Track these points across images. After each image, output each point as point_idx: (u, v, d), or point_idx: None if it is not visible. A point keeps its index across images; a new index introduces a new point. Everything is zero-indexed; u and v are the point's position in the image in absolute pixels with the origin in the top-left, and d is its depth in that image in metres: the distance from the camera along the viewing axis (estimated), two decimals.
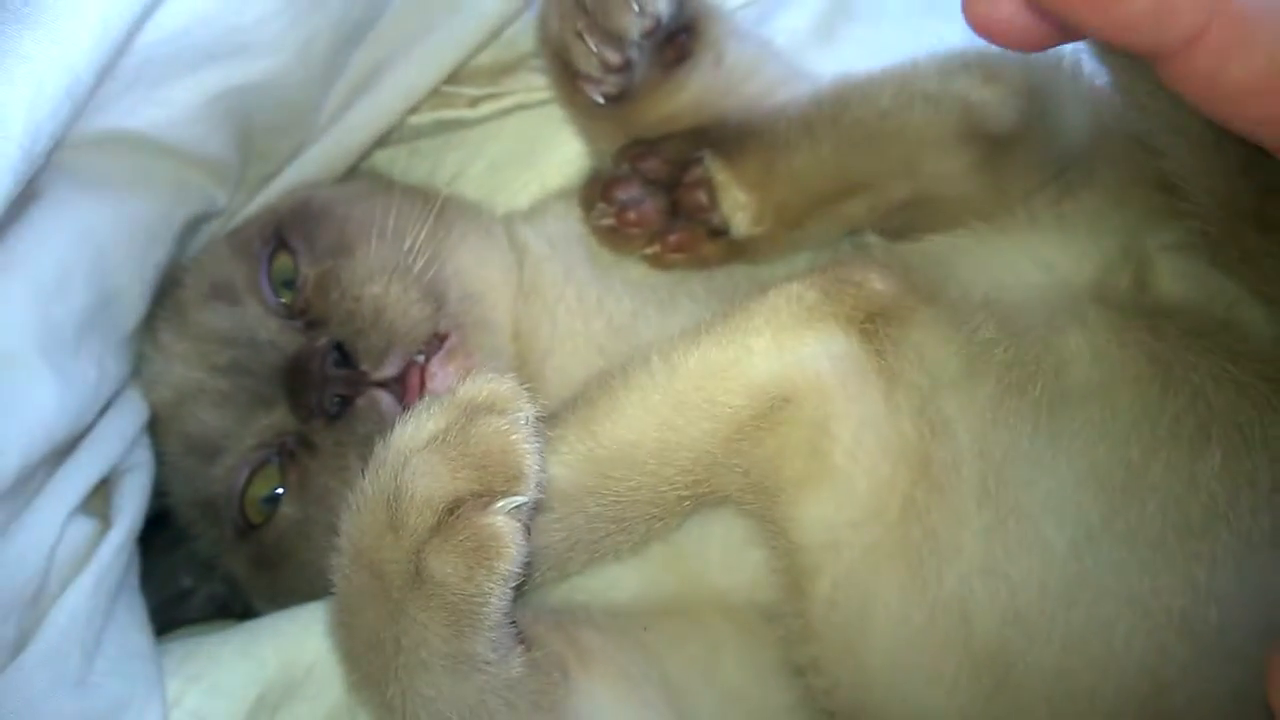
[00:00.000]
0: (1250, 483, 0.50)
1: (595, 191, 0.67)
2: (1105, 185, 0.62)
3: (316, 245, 0.66)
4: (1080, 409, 0.53)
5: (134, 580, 0.59)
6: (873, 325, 0.57)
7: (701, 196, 0.64)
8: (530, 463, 0.49)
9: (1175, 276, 0.58)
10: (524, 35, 0.78)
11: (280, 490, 0.63)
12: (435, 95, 0.79)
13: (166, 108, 0.60)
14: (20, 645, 0.50)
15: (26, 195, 0.53)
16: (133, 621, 0.57)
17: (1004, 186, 0.63)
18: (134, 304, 0.63)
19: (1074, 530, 0.51)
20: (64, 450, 0.56)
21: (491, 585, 0.48)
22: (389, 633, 0.49)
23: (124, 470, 0.60)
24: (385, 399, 0.61)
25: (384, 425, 0.57)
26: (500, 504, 0.48)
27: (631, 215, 0.66)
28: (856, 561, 0.55)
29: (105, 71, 0.53)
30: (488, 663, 0.50)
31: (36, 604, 0.51)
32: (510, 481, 0.48)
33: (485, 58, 0.79)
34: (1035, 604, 0.51)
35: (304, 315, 0.64)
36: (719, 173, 0.65)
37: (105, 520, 0.57)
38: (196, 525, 0.67)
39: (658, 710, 0.57)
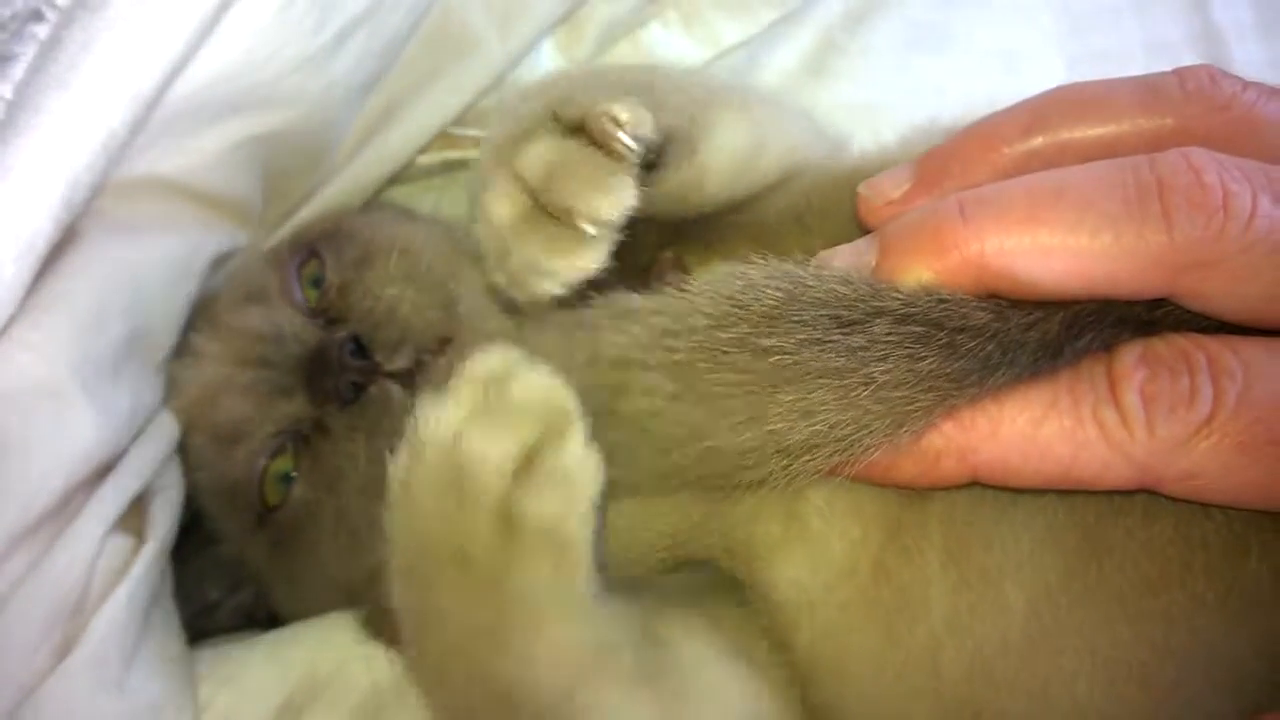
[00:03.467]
0: (1203, 545, 0.50)
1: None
2: None
3: (343, 257, 0.70)
4: None
5: (167, 592, 0.63)
6: None
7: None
8: (574, 402, 0.49)
9: None
10: (527, 79, 0.82)
11: (292, 472, 0.66)
12: (442, 137, 0.83)
13: (194, 155, 0.65)
14: (65, 651, 0.54)
15: (66, 238, 0.58)
16: (167, 630, 0.62)
17: None
18: (165, 336, 0.68)
19: (1032, 589, 0.52)
20: (101, 473, 0.60)
21: (586, 513, 0.49)
22: (486, 615, 0.49)
23: (156, 490, 0.64)
24: (395, 390, 0.65)
25: (393, 413, 0.61)
26: (573, 435, 0.49)
27: None
28: (832, 618, 0.56)
29: (138, 126, 0.58)
30: (591, 609, 0.50)
31: (79, 614, 0.55)
32: (564, 420, 0.49)
33: (490, 102, 0.83)
34: (998, 658, 0.52)
35: (326, 314, 0.69)
36: (695, 265, 0.64)
37: (140, 537, 0.61)
38: (221, 517, 0.70)
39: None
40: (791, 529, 0.57)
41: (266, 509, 0.67)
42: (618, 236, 0.55)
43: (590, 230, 0.54)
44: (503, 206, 0.56)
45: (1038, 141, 0.51)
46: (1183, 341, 0.46)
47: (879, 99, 0.88)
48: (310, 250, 0.72)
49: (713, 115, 0.65)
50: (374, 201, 0.83)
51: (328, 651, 0.64)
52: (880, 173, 0.56)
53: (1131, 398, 0.45)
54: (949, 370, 0.47)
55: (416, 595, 0.51)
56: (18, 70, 0.56)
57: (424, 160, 0.84)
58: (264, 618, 0.72)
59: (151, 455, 0.64)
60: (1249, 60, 0.89)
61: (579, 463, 0.49)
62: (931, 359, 0.47)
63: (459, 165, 0.85)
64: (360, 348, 0.65)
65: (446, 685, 0.52)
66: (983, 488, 0.52)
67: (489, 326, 0.68)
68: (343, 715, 0.63)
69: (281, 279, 0.72)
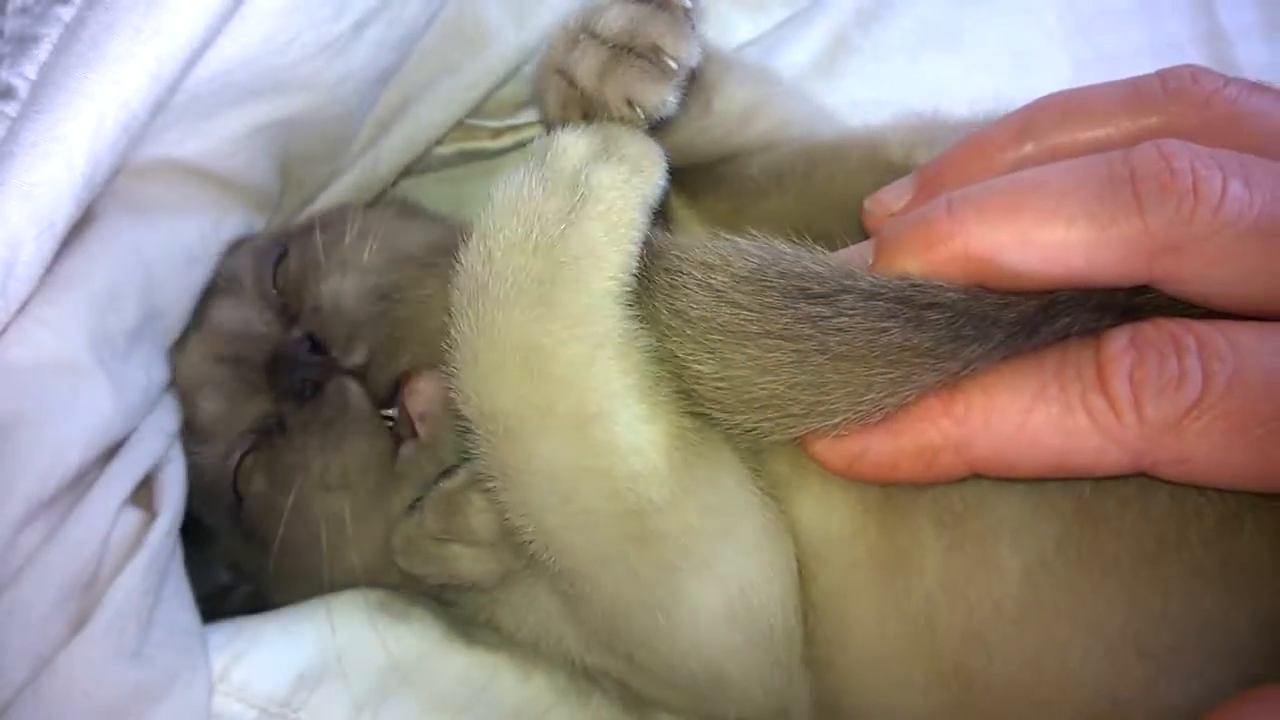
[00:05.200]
0: (1197, 516, 0.51)
1: None
2: None
3: (305, 251, 0.71)
4: None
5: (179, 566, 0.64)
6: None
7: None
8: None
9: None
10: None
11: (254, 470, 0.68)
12: (459, 128, 0.84)
13: (211, 139, 0.66)
14: (81, 622, 0.55)
15: (84, 219, 0.59)
16: (180, 602, 0.62)
17: None
18: (178, 318, 0.69)
19: (1027, 555, 0.53)
20: (114, 449, 0.60)
21: (644, 197, 0.55)
22: (539, 267, 0.54)
23: (165, 464, 0.64)
24: (353, 387, 0.66)
25: (350, 409, 0.64)
26: (642, 136, 0.57)
27: None
28: (840, 577, 0.58)
29: (158, 107, 0.59)
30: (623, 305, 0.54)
31: (94, 585, 0.56)
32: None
33: (506, 92, 0.84)
34: (992, 623, 0.54)
35: (287, 311, 0.70)
36: (681, 209, 0.69)
37: (151, 512, 0.61)
38: (208, 515, 0.71)
39: None
40: (798, 472, 0.59)
41: (238, 503, 0.69)
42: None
43: (673, 65, 0.59)
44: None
45: (1029, 148, 0.53)
46: (1172, 325, 0.47)
47: (889, 97, 0.88)
48: (283, 246, 0.73)
49: (728, 74, 0.71)
50: (386, 194, 0.84)
51: (340, 628, 0.64)
52: (883, 187, 0.59)
53: (1119, 383, 0.46)
54: (915, 343, 0.49)
55: (481, 263, 0.55)
56: (42, 51, 0.58)
57: (441, 151, 0.85)
58: (275, 604, 0.72)
59: (161, 431, 0.65)
60: (1254, 61, 0.89)
61: (646, 151, 0.56)
62: (896, 332, 0.49)
63: (475, 156, 0.86)
64: (317, 345, 0.67)
65: (486, 348, 0.54)
66: None
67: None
68: (356, 690, 0.63)
69: (257, 273, 0.72)
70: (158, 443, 0.64)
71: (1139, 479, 0.50)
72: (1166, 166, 0.46)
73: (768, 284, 0.52)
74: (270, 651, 0.63)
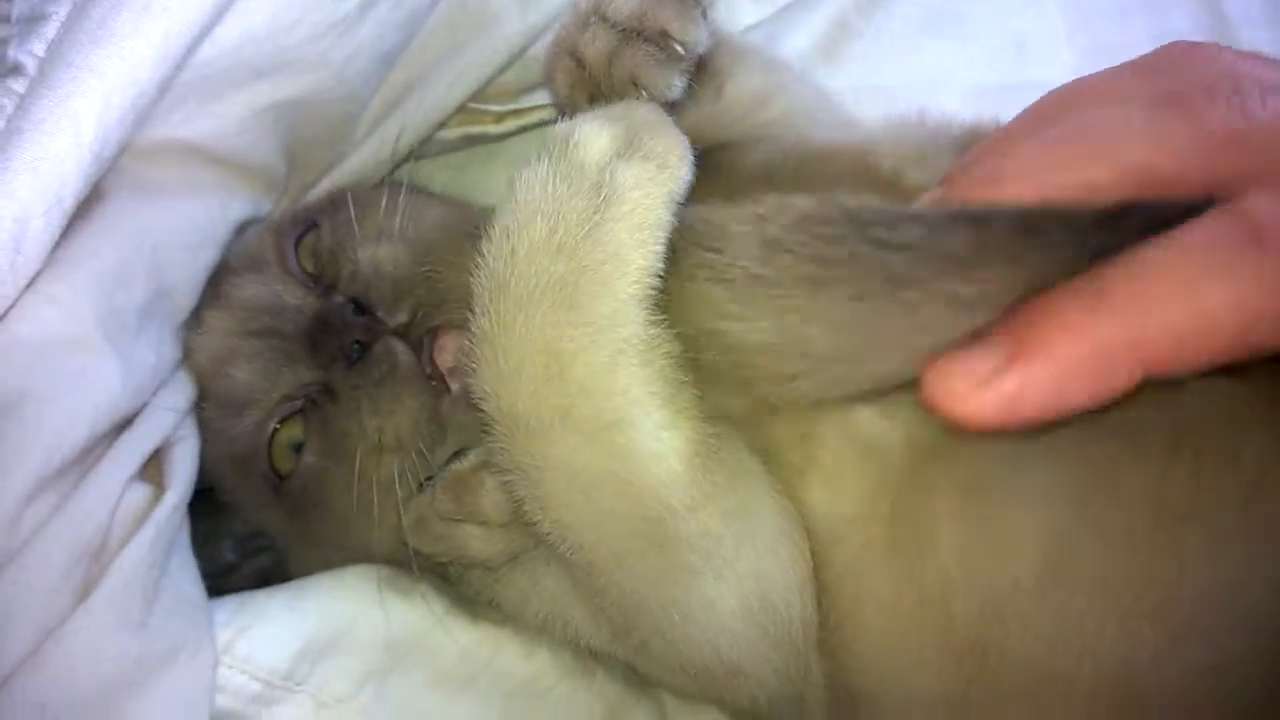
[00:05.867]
0: (1216, 486, 0.50)
1: None
2: None
3: (337, 225, 0.72)
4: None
5: (185, 540, 0.64)
6: None
7: None
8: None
9: None
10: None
11: (302, 439, 0.68)
12: (463, 112, 0.85)
13: (218, 120, 0.66)
14: (86, 593, 0.55)
15: (92, 197, 0.59)
16: (186, 576, 0.63)
17: None
18: (186, 298, 0.69)
19: (1044, 526, 0.53)
20: (123, 425, 0.61)
21: (669, 193, 0.54)
22: (561, 269, 0.53)
23: (175, 442, 0.65)
24: (399, 346, 0.67)
25: (399, 368, 0.64)
26: (669, 129, 0.56)
27: None
28: (854, 557, 0.58)
29: (166, 85, 0.59)
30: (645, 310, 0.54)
31: (100, 556, 0.57)
32: (662, 119, 0.56)
33: (510, 76, 0.84)
34: (1009, 597, 0.53)
35: (321, 282, 0.71)
36: None
37: (159, 488, 0.62)
38: (233, 488, 0.71)
39: None
40: (807, 458, 0.59)
41: (279, 478, 0.69)
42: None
43: (680, 50, 0.59)
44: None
45: (1053, 131, 0.52)
46: None
47: (890, 82, 0.89)
48: (310, 221, 0.74)
49: (740, 61, 0.71)
50: (390, 177, 0.84)
51: (345, 602, 0.65)
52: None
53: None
54: (984, 242, 0.47)
55: (503, 261, 0.55)
56: (50, 29, 0.58)
57: (444, 135, 0.86)
58: (281, 581, 0.72)
59: (170, 407, 0.65)
60: (1258, 48, 0.89)
61: (670, 145, 0.55)
62: (962, 233, 0.47)
63: (479, 140, 0.87)
64: (360, 308, 0.67)
65: (506, 349, 0.54)
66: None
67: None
68: (359, 664, 0.64)
69: (280, 250, 0.73)
70: (167, 419, 0.65)
71: (1158, 447, 0.50)
72: (1205, 71, 0.46)
73: (826, 219, 0.50)
74: (275, 625, 0.63)
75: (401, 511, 0.65)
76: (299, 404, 0.68)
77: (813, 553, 0.60)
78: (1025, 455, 0.53)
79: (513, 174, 0.56)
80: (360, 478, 0.66)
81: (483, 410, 0.56)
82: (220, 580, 0.70)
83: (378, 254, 0.69)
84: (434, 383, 0.67)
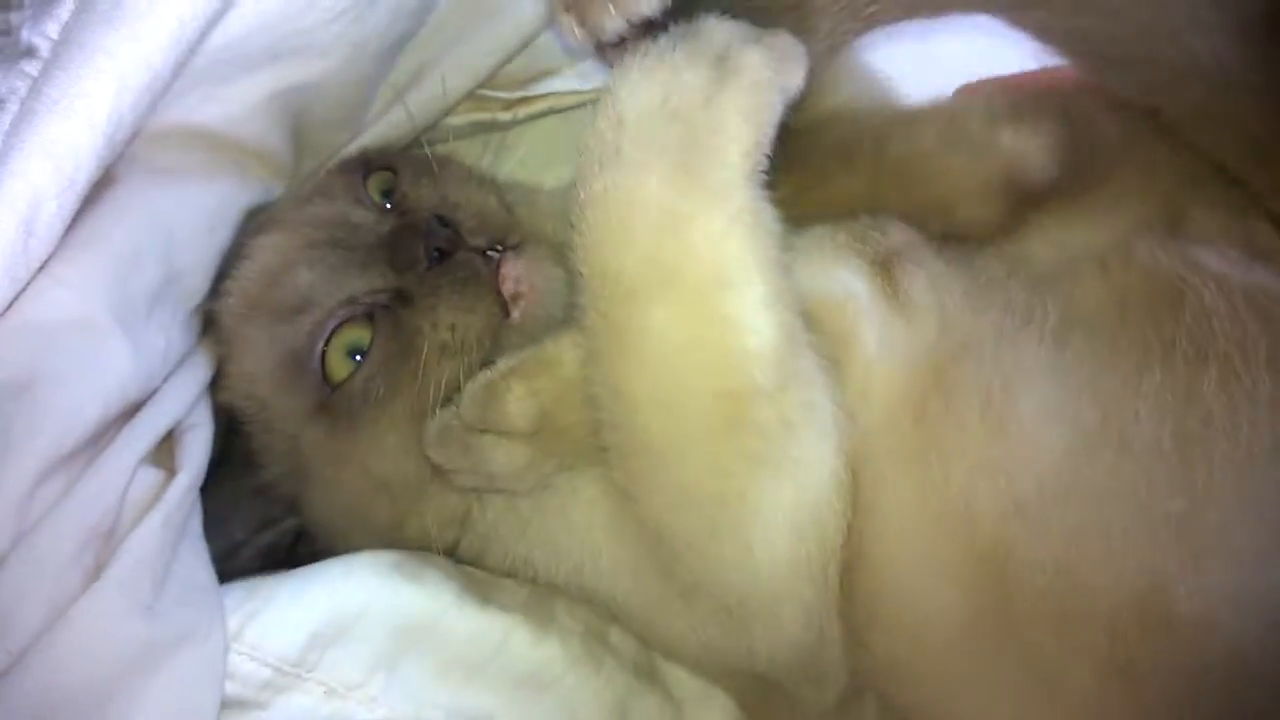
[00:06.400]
0: (1249, 398, 0.51)
1: None
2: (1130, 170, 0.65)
3: (415, 167, 0.74)
4: (1085, 331, 0.57)
5: (197, 525, 0.64)
6: (894, 263, 0.62)
7: None
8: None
9: (1209, 223, 0.61)
10: (555, 43, 0.83)
11: (368, 345, 0.68)
12: (471, 99, 0.85)
13: (229, 104, 0.66)
14: (96, 573, 0.55)
15: (105, 181, 0.59)
16: (197, 561, 0.63)
17: (1031, 219, 0.66)
18: (198, 282, 0.69)
19: (1070, 435, 0.54)
20: (134, 408, 0.61)
21: (785, 83, 0.55)
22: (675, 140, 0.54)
23: (187, 428, 0.65)
24: (478, 260, 0.68)
25: (477, 279, 0.66)
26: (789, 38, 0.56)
27: None
28: (877, 466, 0.59)
29: (179, 68, 0.59)
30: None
31: (110, 539, 0.57)
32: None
33: (518, 64, 0.84)
34: (1033, 501, 0.54)
35: (401, 207, 0.72)
36: None
37: (170, 472, 0.62)
38: (268, 409, 0.71)
39: None
40: (837, 375, 0.59)
41: (331, 386, 0.68)
42: None
43: None
44: None
45: None
46: None
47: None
48: (384, 164, 0.75)
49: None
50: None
51: (354, 589, 0.65)
52: None
53: None
54: None
55: (612, 127, 0.55)
56: (64, 11, 0.58)
57: (453, 121, 0.85)
58: (284, 560, 0.73)
59: (184, 393, 0.65)
60: None
61: (792, 46, 0.56)
62: None
63: (487, 126, 0.87)
64: (444, 224, 0.68)
65: (619, 208, 0.55)
66: (1023, 343, 0.55)
67: (545, 229, 0.73)
68: (369, 650, 0.63)
69: (348, 183, 0.74)
70: (180, 403, 0.65)
71: (1185, 364, 0.51)
72: None
73: None
74: (284, 612, 0.63)
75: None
76: (363, 309, 0.68)
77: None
78: (1050, 360, 0.54)
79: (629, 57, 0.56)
80: (424, 374, 0.66)
81: (580, 272, 0.57)
82: (226, 559, 0.70)
83: (467, 189, 0.72)
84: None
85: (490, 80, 0.83)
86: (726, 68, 0.54)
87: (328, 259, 0.69)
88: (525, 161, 0.87)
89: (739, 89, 0.54)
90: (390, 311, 0.68)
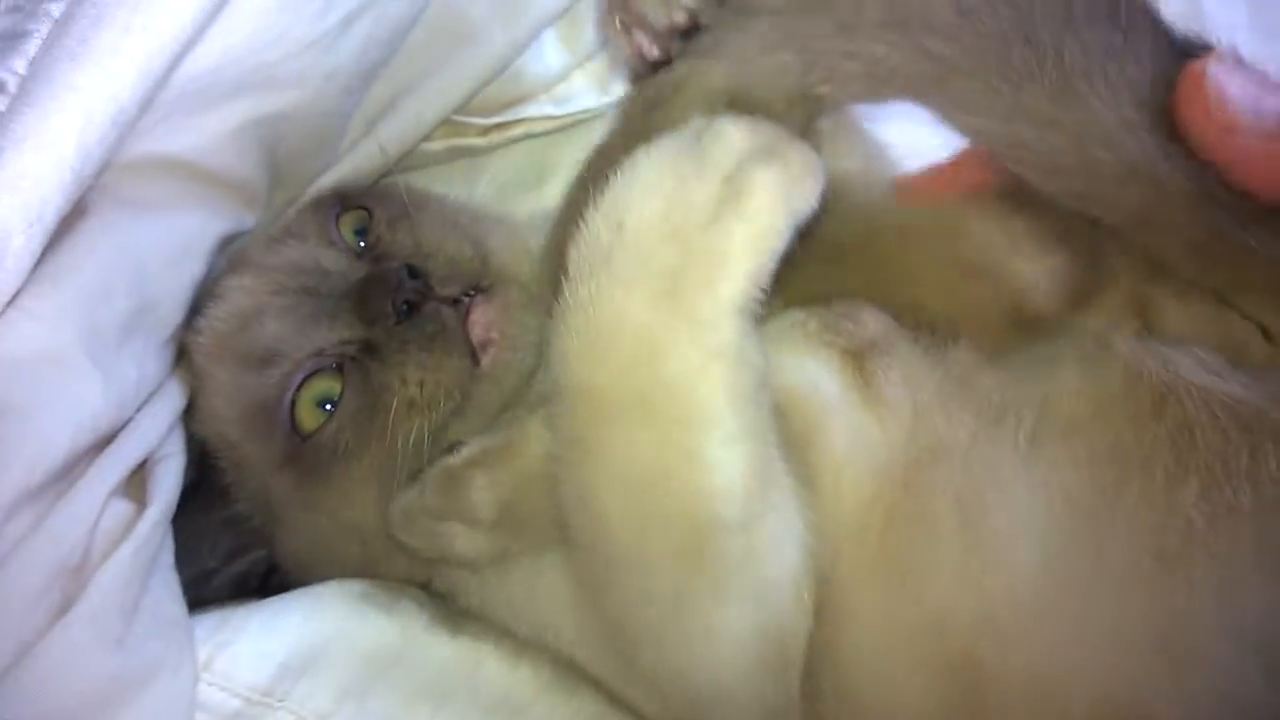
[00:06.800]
0: (1229, 509, 0.50)
1: None
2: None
3: (389, 209, 0.74)
4: (1061, 439, 0.55)
5: (168, 557, 0.64)
6: (865, 355, 0.60)
7: None
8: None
9: (1183, 317, 0.60)
10: (531, 68, 0.84)
11: (337, 396, 0.68)
12: (447, 124, 0.85)
13: (200, 135, 0.67)
14: (64, 609, 0.55)
15: (75, 212, 0.59)
16: (167, 593, 0.63)
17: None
18: (171, 313, 0.69)
19: (1045, 550, 0.52)
20: (105, 440, 0.61)
21: (795, 209, 0.52)
22: (672, 257, 0.52)
23: (159, 459, 0.65)
24: (447, 311, 0.68)
25: (446, 332, 0.66)
26: (804, 149, 0.53)
27: None
28: (850, 569, 0.58)
29: (147, 102, 0.59)
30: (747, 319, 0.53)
31: (80, 573, 0.57)
32: (794, 145, 0.54)
33: (494, 90, 0.84)
34: (1006, 615, 0.53)
35: (372, 253, 0.72)
36: None
37: (141, 504, 0.62)
38: (238, 453, 0.71)
39: None
40: (803, 474, 0.58)
41: (300, 437, 0.68)
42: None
43: None
44: None
45: None
46: None
47: None
48: (356, 203, 0.75)
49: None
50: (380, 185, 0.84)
51: (324, 618, 0.65)
52: None
53: None
54: None
55: (609, 233, 0.53)
56: (31, 46, 0.58)
57: (429, 147, 0.86)
58: (256, 588, 0.73)
59: (155, 424, 0.65)
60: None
61: (808, 164, 0.53)
62: None
63: (464, 152, 0.87)
64: (414, 274, 0.68)
65: (599, 322, 0.53)
66: (997, 450, 0.54)
67: (521, 274, 0.73)
68: (339, 680, 0.63)
69: (320, 223, 0.74)
70: (153, 434, 0.65)
71: (1165, 477, 0.50)
72: None
73: None
74: (255, 641, 0.63)
75: (394, 500, 0.65)
76: (332, 360, 0.68)
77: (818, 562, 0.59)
78: (1025, 480, 0.53)
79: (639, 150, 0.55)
80: (392, 430, 0.66)
81: (553, 376, 0.56)
82: (197, 586, 0.69)
83: (441, 233, 0.71)
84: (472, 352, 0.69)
85: (465, 106, 0.83)
86: (737, 187, 0.52)
87: (297, 309, 0.69)
88: (502, 188, 0.88)
89: (745, 217, 0.51)
90: (359, 364, 0.68)
